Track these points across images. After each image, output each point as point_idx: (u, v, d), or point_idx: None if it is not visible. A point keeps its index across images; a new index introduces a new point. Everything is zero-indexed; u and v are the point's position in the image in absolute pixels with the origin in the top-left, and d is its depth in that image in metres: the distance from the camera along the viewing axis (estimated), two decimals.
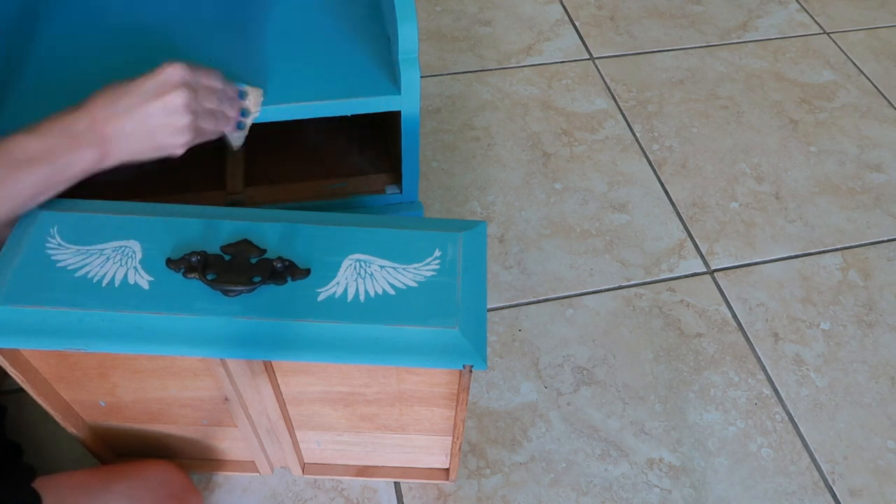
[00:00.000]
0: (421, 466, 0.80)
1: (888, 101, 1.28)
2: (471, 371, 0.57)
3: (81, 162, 0.58)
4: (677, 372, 0.92)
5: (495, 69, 1.29)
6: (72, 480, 0.68)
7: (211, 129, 0.65)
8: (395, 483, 0.81)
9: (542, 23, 1.39)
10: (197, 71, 0.63)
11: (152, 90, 0.60)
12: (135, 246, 0.59)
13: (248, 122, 0.71)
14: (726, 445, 0.86)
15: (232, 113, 0.68)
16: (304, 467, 0.80)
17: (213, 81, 0.65)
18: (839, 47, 1.38)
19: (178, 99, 0.60)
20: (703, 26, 1.40)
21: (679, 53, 1.35)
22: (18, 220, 0.60)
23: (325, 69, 0.77)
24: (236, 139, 0.71)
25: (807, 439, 0.87)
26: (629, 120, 1.22)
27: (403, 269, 0.59)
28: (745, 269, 1.03)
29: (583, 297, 0.99)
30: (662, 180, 1.14)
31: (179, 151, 0.63)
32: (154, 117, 0.60)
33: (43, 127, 0.58)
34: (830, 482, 0.83)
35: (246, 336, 0.56)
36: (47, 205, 0.61)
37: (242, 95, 0.70)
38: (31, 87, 0.74)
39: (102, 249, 0.59)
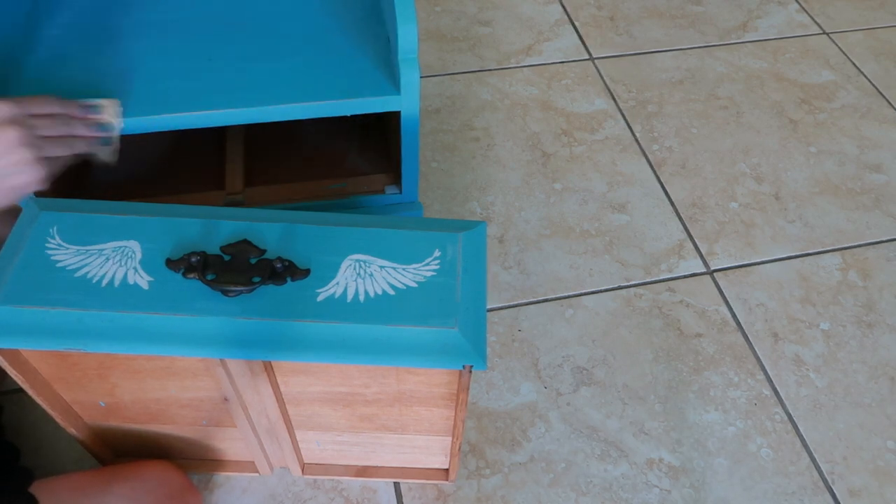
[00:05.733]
0: (420, 467, 0.80)
1: (888, 101, 1.28)
2: (470, 371, 0.57)
3: None
4: (677, 372, 0.92)
5: (495, 69, 1.29)
6: (70, 483, 0.68)
7: (64, 154, 0.63)
8: (394, 483, 0.81)
9: (541, 23, 1.39)
10: (24, 103, 0.60)
11: None
12: (134, 246, 0.59)
13: (114, 135, 0.68)
14: (726, 445, 0.86)
15: (85, 132, 0.65)
16: (304, 467, 0.80)
17: (46, 107, 0.62)
18: (839, 47, 1.38)
19: (9, 137, 0.57)
20: (703, 26, 1.41)
21: (679, 54, 1.35)
22: (18, 220, 0.60)
23: (325, 69, 0.77)
24: (106, 154, 0.68)
25: (806, 439, 0.87)
26: (629, 120, 1.22)
27: (403, 269, 0.59)
28: (744, 269, 1.03)
29: (582, 297, 0.99)
30: (662, 180, 1.14)
31: (41, 186, 0.61)
32: None
33: None
34: (830, 482, 0.83)
35: (245, 336, 0.56)
36: (47, 205, 0.61)
37: (96, 110, 0.67)
38: (30, 87, 0.74)
39: (102, 249, 0.59)
